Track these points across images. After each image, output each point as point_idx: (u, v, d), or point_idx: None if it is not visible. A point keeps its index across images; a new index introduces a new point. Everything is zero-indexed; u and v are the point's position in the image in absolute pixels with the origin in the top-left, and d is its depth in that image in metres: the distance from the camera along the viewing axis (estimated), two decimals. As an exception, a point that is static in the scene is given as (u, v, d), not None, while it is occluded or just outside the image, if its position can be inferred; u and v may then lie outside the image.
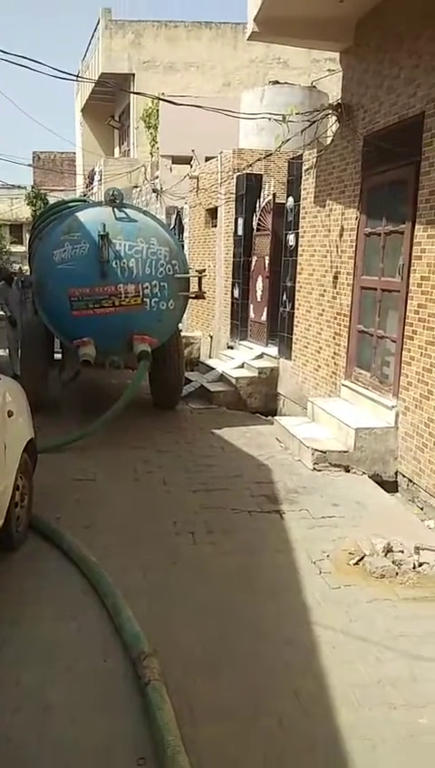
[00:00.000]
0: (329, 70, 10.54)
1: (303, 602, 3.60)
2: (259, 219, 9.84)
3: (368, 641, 3.24)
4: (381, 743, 2.58)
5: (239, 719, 2.69)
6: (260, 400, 8.86)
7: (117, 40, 21.13)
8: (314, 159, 7.68)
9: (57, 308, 6.73)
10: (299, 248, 8.19)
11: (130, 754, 2.46)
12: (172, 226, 13.58)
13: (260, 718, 2.70)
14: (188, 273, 7.27)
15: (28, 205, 31.91)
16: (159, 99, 9.08)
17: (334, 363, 7.18)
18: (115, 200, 6.85)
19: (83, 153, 26.41)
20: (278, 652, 3.15)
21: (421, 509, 5.33)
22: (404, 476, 5.68)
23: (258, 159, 10.06)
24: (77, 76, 13.30)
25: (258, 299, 9.90)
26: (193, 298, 7.51)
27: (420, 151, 5.31)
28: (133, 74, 20.94)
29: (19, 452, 4.08)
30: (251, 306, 10.22)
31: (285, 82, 12.51)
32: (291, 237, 8.40)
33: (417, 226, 5.40)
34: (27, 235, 14.29)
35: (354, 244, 6.66)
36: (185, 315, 9.20)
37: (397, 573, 3.86)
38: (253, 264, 10.11)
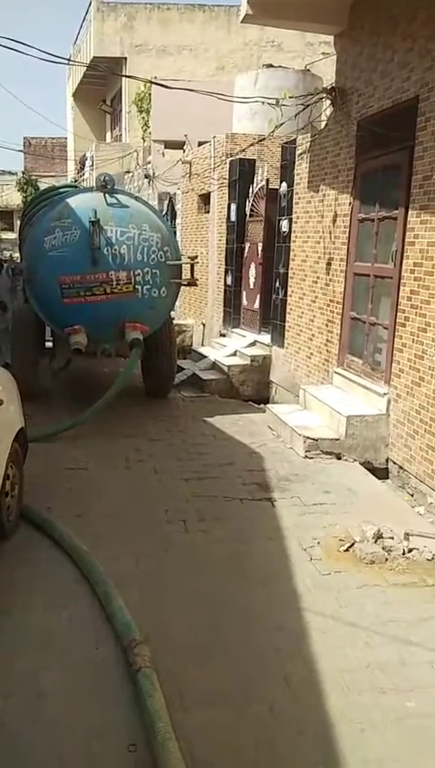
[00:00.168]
0: (323, 53, 10.43)
1: (293, 589, 3.62)
2: (252, 205, 9.77)
3: (357, 627, 3.27)
4: (370, 726, 2.61)
5: (230, 705, 2.71)
6: (252, 388, 8.85)
7: (109, 23, 20.83)
8: (308, 144, 7.61)
9: (48, 296, 6.68)
10: (292, 234, 8.15)
11: (121, 741, 2.48)
12: (164, 212, 13.48)
13: (251, 704, 2.73)
14: (180, 259, 7.22)
15: (19, 191, 31.56)
16: (152, 83, 8.98)
17: (327, 350, 7.18)
18: (106, 186, 6.78)
19: (75, 138, 26.14)
20: (269, 638, 3.17)
21: (411, 495, 5.36)
22: (395, 463, 5.70)
23: (251, 144, 9.97)
24: (68, 60, 13.12)
25: (251, 286, 9.86)
26: (185, 285, 7.46)
27: (414, 136, 5.27)
28: (125, 58, 20.67)
29: (9, 441, 4.06)
30: (244, 293, 10.18)
31: (279, 66, 12.35)
32: (284, 223, 8.35)
33: (410, 212, 5.38)
34: (18, 222, 14.15)
35: (347, 230, 6.63)
36: (177, 303, 9.17)
37: (387, 559, 3.89)
38: (246, 250, 10.05)
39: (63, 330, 6.69)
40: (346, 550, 4.02)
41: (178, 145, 14.40)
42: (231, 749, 2.50)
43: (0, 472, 3.83)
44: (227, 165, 10.33)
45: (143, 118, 18.52)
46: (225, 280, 10.66)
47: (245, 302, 10.19)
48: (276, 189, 8.71)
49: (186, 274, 7.35)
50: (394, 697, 2.79)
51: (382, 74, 5.84)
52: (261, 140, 9.70)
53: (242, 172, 9.88)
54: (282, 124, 7.14)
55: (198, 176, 11.94)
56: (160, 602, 3.44)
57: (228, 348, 9.61)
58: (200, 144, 12.31)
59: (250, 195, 9.80)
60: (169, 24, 20.73)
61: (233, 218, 10.18)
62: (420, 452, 5.24)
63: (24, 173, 32.08)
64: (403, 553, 3.95)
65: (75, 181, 20.76)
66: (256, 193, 9.64)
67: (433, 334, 5.06)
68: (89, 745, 2.47)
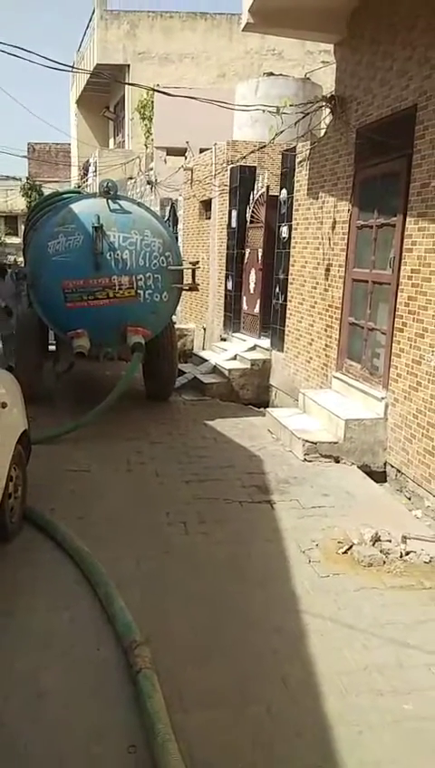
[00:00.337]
0: (323, 61, 10.50)
1: (292, 591, 3.65)
2: (253, 211, 9.84)
3: (355, 629, 3.29)
4: (368, 729, 2.63)
5: (229, 706, 2.74)
6: (252, 392, 8.89)
7: (112, 30, 20.97)
8: (308, 152, 7.68)
9: (51, 300, 6.74)
10: (292, 240, 8.20)
11: (121, 742, 2.50)
12: (166, 218, 13.55)
13: (249, 705, 2.75)
14: (181, 265, 7.28)
15: (23, 196, 31.72)
16: (154, 90, 9.04)
17: (326, 355, 7.22)
18: (109, 192, 6.85)
19: (78, 144, 26.26)
20: (267, 640, 3.20)
21: (409, 499, 5.39)
22: (393, 467, 5.74)
23: (252, 151, 10.04)
24: (72, 67, 13.23)
25: (251, 291, 9.92)
26: (187, 290, 7.52)
27: (413, 144, 5.33)
28: (128, 65, 20.80)
29: (13, 443, 4.10)
30: (244, 298, 10.23)
31: (280, 74, 12.45)
32: (284, 229, 8.41)
33: (408, 219, 5.43)
34: (22, 227, 14.22)
35: (346, 236, 6.68)
36: (178, 307, 9.22)
37: (384, 562, 3.92)
38: (246, 256, 10.11)
39: (66, 333, 6.74)
40: (344, 552, 4.05)
41: (180, 152, 14.49)
42: (230, 750, 2.52)
43: (3, 474, 3.87)
44: (228, 172, 10.41)
45: (146, 125, 18.63)
46: (225, 285, 10.72)
47: (245, 306, 10.24)
48: (277, 196, 8.77)
49: (187, 279, 7.41)
50: (392, 700, 2.81)
51: (381, 83, 5.90)
52: (262, 148, 9.78)
53: (243, 179, 9.96)
54: (282, 132, 7.21)
55: (199, 182, 12.02)
56: (161, 604, 3.47)
57: (229, 352, 9.66)
58: (202, 151, 12.39)
59: (251, 201, 9.87)
60: (172, 32, 20.87)
61: (234, 224, 10.25)
62: (418, 456, 5.28)
63: (28, 178, 32.26)
64: (401, 556, 3.98)
65: (79, 187, 20.84)
66: (257, 199, 9.71)
67: (430, 339, 5.11)
68: (89, 746, 2.49)
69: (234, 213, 10.22)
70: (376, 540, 4.12)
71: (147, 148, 18.45)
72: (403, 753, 2.55)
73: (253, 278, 9.86)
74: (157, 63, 20.72)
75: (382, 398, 5.84)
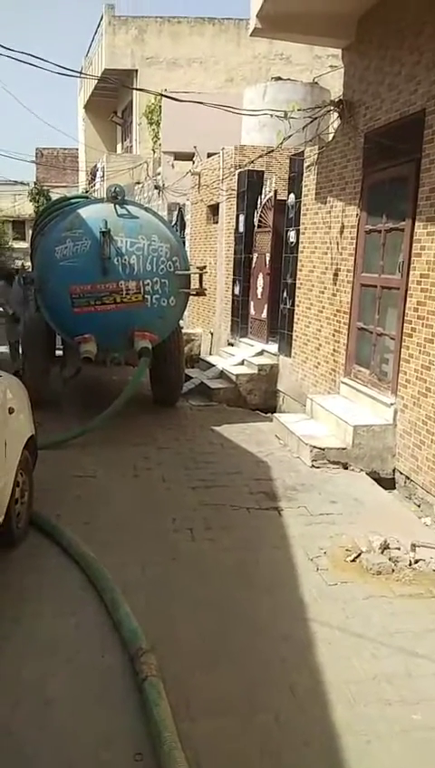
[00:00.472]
0: (331, 66, 10.49)
1: (300, 599, 3.62)
2: (260, 216, 9.84)
3: (364, 638, 3.27)
4: (376, 738, 2.61)
5: (236, 715, 2.72)
6: (260, 397, 8.88)
7: (120, 36, 21.09)
8: (316, 156, 7.67)
9: (59, 305, 6.76)
10: (300, 245, 8.19)
11: (127, 750, 2.49)
12: (174, 223, 13.58)
13: (257, 714, 2.73)
14: (189, 269, 7.28)
15: (31, 201, 31.89)
16: (162, 95, 9.07)
17: (334, 360, 7.20)
18: (117, 197, 6.87)
19: (86, 149, 26.40)
20: (275, 648, 3.18)
21: (418, 506, 5.35)
22: (402, 474, 5.70)
23: (260, 156, 10.05)
24: (80, 72, 13.30)
25: (259, 296, 9.91)
26: (194, 295, 7.52)
27: (421, 148, 5.31)
28: (136, 70, 20.91)
29: (20, 448, 4.11)
30: (252, 303, 10.22)
31: (288, 79, 12.46)
32: (292, 234, 8.40)
33: (417, 224, 5.41)
34: (30, 232, 14.29)
35: (355, 241, 6.67)
36: (186, 312, 9.22)
37: (393, 570, 3.89)
38: (254, 260, 10.11)
39: (74, 338, 6.75)
40: (353, 560, 4.02)
41: (188, 156, 14.52)
42: (237, 759, 2.50)
43: (10, 479, 3.88)
44: (236, 176, 10.42)
45: (153, 129, 18.70)
46: (233, 290, 10.72)
47: (252, 311, 10.23)
48: (284, 200, 8.77)
49: (194, 284, 7.41)
50: (400, 709, 2.78)
51: (390, 87, 5.89)
52: (269, 152, 9.79)
53: (250, 183, 9.96)
54: (290, 136, 7.22)
55: (207, 187, 12.03)
56: (167, 610, 3.45)
57: (236, 357, 9.65)
58: (209, 155, 12.41)
59: (258, 206, 9.87)
60: (180, 37, 20.96)
61: (241, 229, 10.25)
62: (427, 462, 5.24)
63: (36, 183, 32.42)
64: (410, 564, 3.95)
65: (86, 192, 20.95)
66: (265, 204, 9.71)
67: (440, 345, 5.07)
68: (96, 754, 2.48)
69: (241, 217, 10.22)
70: (385, 548, 4.09)
71: (154, 152, 18.52)
72: (412, 763, 2.52)
73: (260, 283, 9.85)
74: (165, 68, 20.82)
75: (391, 404, 5.81)
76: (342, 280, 7.00)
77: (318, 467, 5.82)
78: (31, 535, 4.25)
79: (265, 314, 9.69)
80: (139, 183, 18.65)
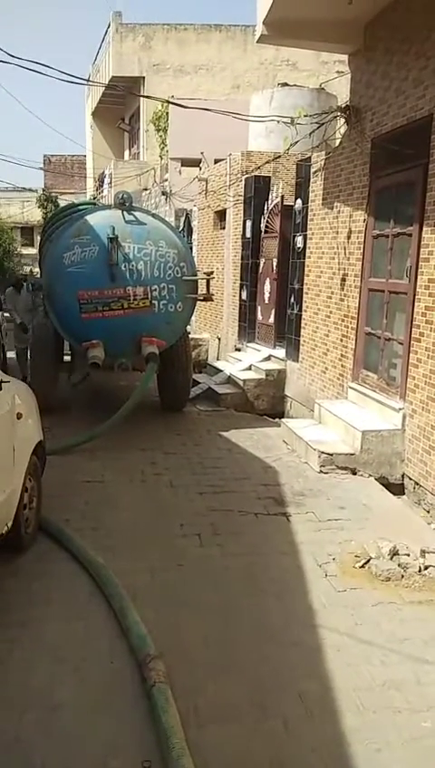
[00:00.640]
0: (338, 72, 10.54)
1: (308, 605, 3.61)
2: (267, 221, 9.85)
3: (373, 644, 3.25)
4: (386, 746, 2.59)
5: (245, 721, 2.71)
6: (267, 402, 8.87)
7: (127, 43, 21.23)
8: (323, 162, 7.68)
9: (67, 311, 6.78)
10: (307, 250, 8.20)
11: (136, 757, 2.48)
12: (181, 229, 13.62)
13: (265, 720, 2.72)
14: (196, 275, 7.30)
15: (39, 207, 32.06)
16: (169, 102, 9.11)
17: (342, 365, 7.18)
18: (124, 203, 6.90)
19: (94, 156, 26.54)
20: (284, 654, 3.17)
21: (428, 512, 5.31)
22: (411, 479, 5.67)
23: (267, 162, 10.07)
24: (87, 80, 13.43)
25: (266, 301, 9.91)
26: (201, 300, 7.54)
27: (428, 153, 5.30)
28: (143, 77, 21.03)
29: (28, 454, 4.12)
30: (259, 308, 10.23)
31: (294, 85, 12.49)
32: (299, 239, 8.40)
33: (425, 228, 5.40)
34: (38, 238, 14.36)
35: (362, 246, 6.66)
36: (193, 317, 9.24)
37: (403, 576, 3.86)
38: (261, 266, 10.12)
39: (81, 344, 6.78)
40: (362, 566, 4.00)
41: (195, 163, 14.58)
42: (245, 766, 2.49)
43: (19, 484, 3.89)
44: (243, 182, 10.45)
45: (161, 136, 18.80)
46: (240, 295, 10.73)
47: (260, 316, 10.24)
48: (291, 206, 8.78)
49: (202, 290, 7.43)
50: (410, 717, 2.76)
51: (396, 92, 5.90)
52: (276, 158, 9.80)
53: (257, 189, 9.99)
54: (297, 142, 7.23)
55: (214, 193, 12.07)
56: (175, 616, 3.45)
57: (244, 362, 9.65)
58: (216, 162, 12.46)
59: (265, 211, 9.88)
60: (186, 44, 21.08)
61: (248, 234, 10.27)
62: (437, 468, 5.21)
63: (44, 190, 32.60)
64: (419, 571, 3.92)
65: (94, 198, 21.04)
66: (271, 209, 9.72)
67: (449, 350, 5.06)
68: (104, 761, 2.47)
69: (248, 223, 10.24)
70: (394, 554, 4.06)
71: (162, 159, 18.62)
72: (422, 772, 2.50)
73: (268, 288, 9.86)
74: (171, 75, 20.93)
75: (400, 409, 5.79)
76: (349, 285, 7.00)
77: (326, 473, 5.80)
78: (39, 541, 4.25)
79: (272, 319, 9.69)
80: (146, 189, 18.73)
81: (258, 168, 10.19)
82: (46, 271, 7.46)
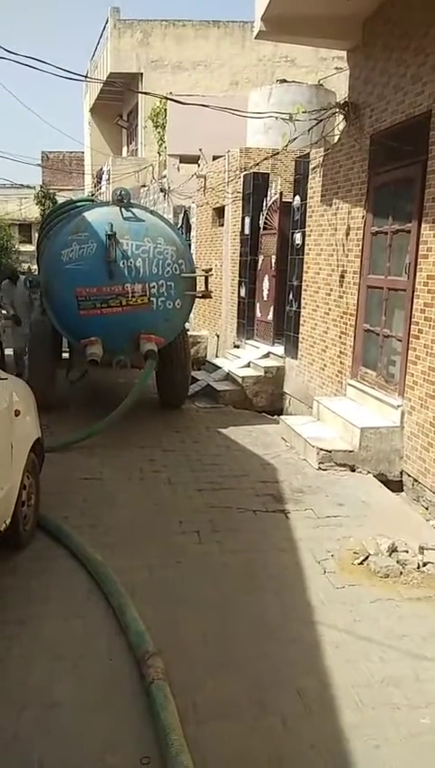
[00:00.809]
0: (336, 68, 10.49)
1: (307, 602, 3.61)
2: (266, 218, 9.84)
3: (372, 641, 3.25)
4: (384, 742, 2.60)
5: (243, 718, 2.71)
6: (266, 399, 8.87)
7: (125, 39, 21.16)
8: (321, 158, 7.67)
9: (65, 308, 6.77)
10: (306, 247, 8.18)
11: (134, 753, 2.48)
12: (179, 226, 13.59)
13: (264, 717, 2.72)
14: (194, 272, 7.29)
15: (37, 204, 31.98)
16: (167, 98, 9.09)
17: (340, 362, 7.18)
18: (123, 200, 6.88)
19: (92, 153, 26.47)
20: (282, 651, 3.17)
21: (426, 509, 5.32)
22: (409, 476, 5.68)
23: (265, 158, 10.05)
24: (85, 76, 13.39)
25: (265, 298, 9.90)
26: (200, 297, 7.53)
27: (427, 150, 5.29)
28: (141, 74, 20.97)
29: (26, 451, 4.11)
30: (257, 305, 10.22)
31: (293, 81, 12.47)
32: (297, 236, 8.39)
33: (423, 225, 5.39)
34: (36, 235, 14.32)
35: (361, 242, 6.65)
36: (191, 314, 9.22)
37: (401, 573, 3.86)
38: (259, 263, 10.11)
39: (80, 341, 6.76)
40: (360, 563, 4.00)
41: (193, 159, 14.54)
42: (244, 763, 2.49)
43: (17, 482, 3.88)
44: (241, 179, 10.42)
45: (159, 132, 18.75)
46: (238, 292, 10.71)
47: (258, 313, 10.23)
48: (290, 203, 8.76)
49: (200, 287, 7.41)
50: (408, 713, 2.76)
51: (395, 89, 5.88)
52: (275, 155, 9.79)
53: (256, 186, 9.97)
54: (295, 139, 7.22)
55: (212, 189, 12.05)
56: (174, 613, 3.45)
57: (242, 359, 9.64)
58: (215, 158, 12.43)
59: (264, 208, 9.87)
60: (184, 41, 21.01)
61: (247, 231, 10.25)
62: (435, 465, 5.22)
63: (42, 187, 32.51)
64: (418, 567, 3.93)
65: (92, 195, 20.99)
66: (270, 206, 9.71)
67: (447, 347, 5.05)
68: (102, 758, 2.47)
69: (247, 220, 10.22)
70: (393, 550, 4.07)
71: (160, 155, 18.57)
72: (421, 767, 2.50)
73: (266, 285, 9.85)
74: (170, 72, 20.87)
75: (398, 406, 5.79)
76: (348, 282, 6.99)
77: (325, 470, 5.80)
78: (38, 538, 4.25)
79: (271, 316, 9.68)
80: (144, 186, 18.69)
81: (257, 164, 10.17)
82: (44, 268, 7.44)
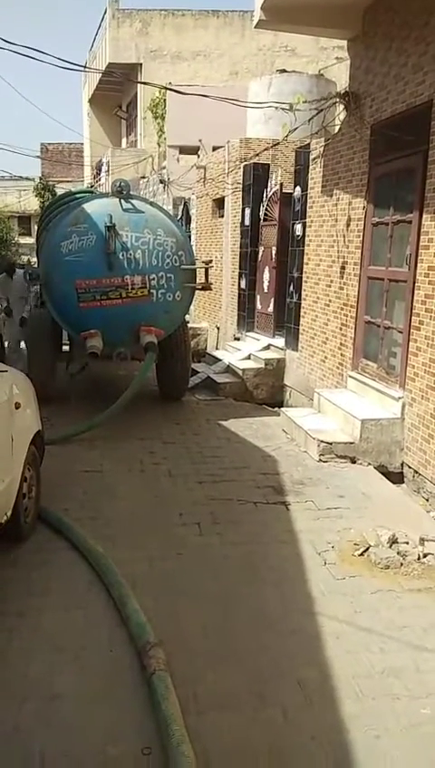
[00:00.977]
0: (337, 58, 10.41)
1: (307, 593, 3.62)
2: (266, 209, 9.79)
3: (372, 632, 3.26)
4: (385, 733, 2.60)
5: (244, 709, 2.72)
6: (267, 392, 8.86)
7: (124, 29, 20.99)
8: (322, 148, 7.62)
9: (64, 300, 6.75)
10: (306, 238, 8.15)
11: (135, 744, 2.49)
12: (179, 217, 13.54)
13: (264, 708, 2.73)
14: (194, 264, 7.26)
15: (36, 196, 31.86)
16: (166, 88, 9.03)
17: (341, 354, 7.17)
18: (122, 191, 6.85)
19: (91, 144, 26.33)
20: (283, 642, 3.18)
21: (427, 500, 5.32)
22: (410, 467, 5.68)
23: (265, 149, 9.99)
24: (84, 66, 13.30)
25: (265, 290, 9.88)
26: (200, 289, 7.50)
27: (428, 140, 5.26)
28: (141, 64, 20.81)
29: (26, 444, 4.11)
30: (258, 297, 10.19)
31: (293, 71, 12.38)
32: (298, 227, 8.35)
33: (424, 216, 5.36)
34: (35, 227, 14.25)
35: (361, 233, 6.62)
36: (192, 306, 9.20)
37: (402, 564, 3.87)
38: (260, 254, 10.07)
39: (80, 334, 6.75)
40: (361, 554, 4.01)
41: (193, 150, 14.47)
42: (245, 753, 2.50)
43: (18, 474, 3.88)
44: (241, 169, 10.37)
45: (158, 123, 18.64)
46: (239, 284, 10.68)
47: (259, 305, 10.20)
48: (290, 193, 8.72)
49: (200, 279, 7.38)
50: (409, 704, 2.77)
51: (396, 78, 5.84)
52: (275, 145, 9.73)
53: (256, 177, 9.91)
54: (296, 129, 7.17)
55: (212, 180, 11.99)
56: (174, 605, 3.45)
57: (242, 351, 9.63)
58: (215, 149, 12.36)
59: (264, 199, 9.82)
60: (184, 30, 20.84)
61: (247, 222, 10.21)
62: (436, 456, 5.21)
63: (41, 179, 32.39)
64: (418, 558, 3.93)
65: (91, 187, 20.90)
66: (270, 197, 9.66)
67: (448, 338, 5.04)
68: (103, 749, 2.48)
69: (247, 211, 10.18)
70: (393, 542, 4.07)
71: (159, 146, 18.47)
72: (421, 757, 2.51)
73: (266, 276, 9.81)
74: (169, 62, 20.72)
75: (399, 398, 5.78)
76: (348, 273, 6.96)
77: (325, 461, 5.80)
78: (38, 530, 4.25)
79: (271, 308, 9.66)
80: (144, 177, 18.60)
81: (257, 155, 10.11)
82: (44, 260, 7.41)
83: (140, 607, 3.27)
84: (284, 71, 12.04)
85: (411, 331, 5.59)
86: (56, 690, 2.79)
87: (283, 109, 6.93)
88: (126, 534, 4.28)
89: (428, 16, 5.28)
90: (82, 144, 29.44)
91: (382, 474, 5.65)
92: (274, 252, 9.48)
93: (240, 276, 10.61)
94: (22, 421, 4.05)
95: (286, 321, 8.85)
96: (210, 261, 7.76)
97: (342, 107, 7.06)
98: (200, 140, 13.66)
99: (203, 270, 7.40)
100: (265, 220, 9.87)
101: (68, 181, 28.73)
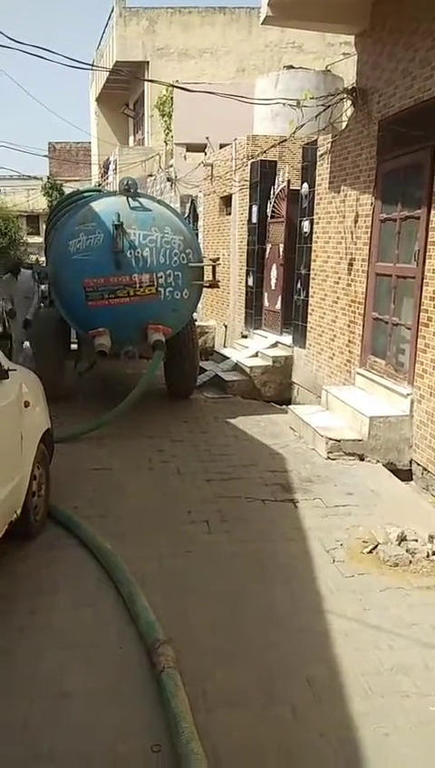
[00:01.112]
0: (344, 54, 10.39)
1: (316, 590, 3.61)
2: (274, 206, 9.77)
3: (381, 629, 3.25)
4: (394, 730, 2.60)
5: (253, 706, 2.72)
6: (274, 389, 8.85)
7: (131, 27, 20.99)
8: (329, 145, 7.59)
9: (72, 298, 6.77)
10: (314, 235, 8.12)
11: (145, 741, 2.50)
12: (186, 215, 13.54)
13: (273, 706, 2.73)
14: (202, 262, 7.26)
15: (44, 195, 31.97)
16: (174, 86, 9.04)
17: (349, 351, 7.14)
18: (129, 190, 6.86)
19: (98, 143, 26.37)
20: (292, 640, 3.18)
21: (437, 498, 5.30)
22: (419, 465, 5.65)
23: (273, 146, 9.96)
24: (91, 65, 13.29)
25: (273, 287, 9.86)
26: (207, 287, 7.51)
27: (436, 135, 5.22)
28: (148, 62, 20.81)
29: (36, 442, 4.13)
30: (265, 294, 10.17)
31: (300, 67, 12.31)
32: (305, 224, 8.33)
33: (433, 211, 5.33)
34: (44, 226, 14.27)
35: (369, 230, 6.59)
36: (199, 304, 9.20)
37: (410, 562, 3.86)
38: (267, 251, 10.05)
39: (88, 332, 6.77)
40: (369, 552, 4.00)
41: (200, 148, 14.44)
42: (254, 750, 2.50)
43: (27, 472, 3.91)
44: (249, 167, 10.34)
45: (165, 121, 18.62)
46: (246, 281, 10.67)
47: (266, 303, 10.18)
48: (298, 190, 8.69)
49: (208, 276, 7.39)
50: (418, 701, 2.77)
51: (404, 73, 5.80)
52: (282, 142, 9.70)
53: (263, 174, 9.88)
54: (303, 125, 7.15)
55: (219, 178, 11.97)
56: (183, 602, 3.46)
57: (250, 349, 9.62)
58: (222, 146, 12.34)
59: (271, 196, 9.79)
60: (190, 28, 20.81)
61: (254, 220, 10.19)
62: (445, 453, 5.19)
63: (49, 178, 32.48)
64: (427, 556, 3.92)
65: (99, 185, 20.93)
66: (278, 194, 9.63)
67: (457, 335, 5.01)
68: (113, 746, 2.49)
69: (254, 208, 10.16)
70: (402, 539, 4.06)
71: (166, 144, 18.45)
72: (431, 755, 2.51)
73: (274, 274, 9.79)
74: (176, 59, 20.70)
75: (408, 395, 5.75)
76: (356, 270, 6.94)
77: (334, 459, 5.79)
78: (48, 528, 4.28)
79: (279, 306, 9.64)
80: (151, 175, 18.60)
81: (264, 152, 10.08)
82: (52, 259, 7.44)
83: (148, 604, 3.28)
84: (291, 67, 11.99)
85: (420, 327, 5.57)
86: (66, 688, 2.80)
87: (290, 105, 6.92)
88: (135, 532, 4.29)
89: (435, 11, 5.25)
90: (90, 143, 29.50)
91: (391, 471, 5.63)
92: (281, 249, 9.45)
93: (248, 274, 10.60)
94: (31, 419, 4.07)
95: (294, 318, 8.84)
96: (218, 258, 7.77)
97: (349, 103, 7.03)
98: (207, 138, 13.64)
99: (210, 267, 7.40)
100: (272, 217, 9.84)
101: (76, 180, 28.79)
